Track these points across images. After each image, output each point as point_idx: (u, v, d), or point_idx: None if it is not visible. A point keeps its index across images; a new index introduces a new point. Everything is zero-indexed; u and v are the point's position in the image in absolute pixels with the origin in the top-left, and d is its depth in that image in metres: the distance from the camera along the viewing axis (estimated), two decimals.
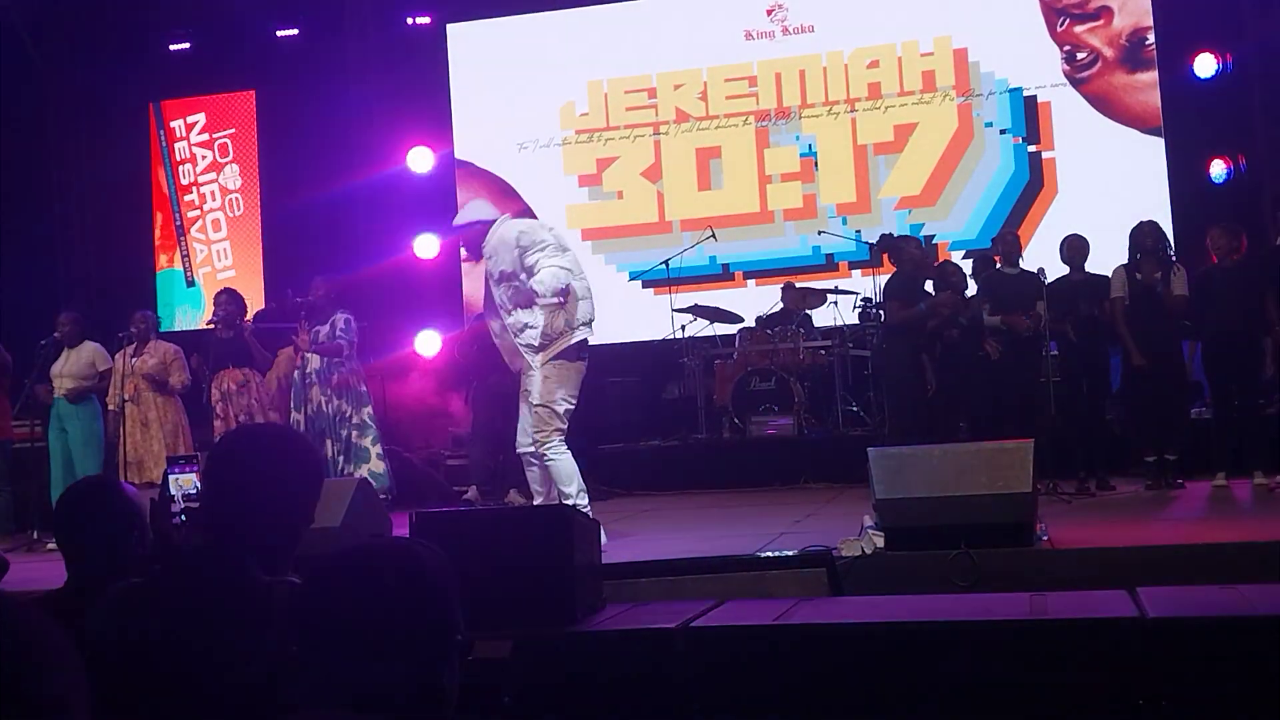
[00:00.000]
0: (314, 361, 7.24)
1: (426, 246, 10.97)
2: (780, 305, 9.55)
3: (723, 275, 10.41)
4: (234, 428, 7.21)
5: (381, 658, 1.49)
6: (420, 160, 10.91)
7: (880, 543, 4.55)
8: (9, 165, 10.61)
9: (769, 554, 4.62)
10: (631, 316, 9.86)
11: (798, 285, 9.65)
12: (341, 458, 7.32)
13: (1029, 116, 9.98)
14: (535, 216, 10.86)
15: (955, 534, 4.41)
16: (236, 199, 11.41)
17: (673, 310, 9.49)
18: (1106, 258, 7.21)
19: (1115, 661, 3.31)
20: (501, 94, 10.77)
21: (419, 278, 11.02)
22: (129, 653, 1.85)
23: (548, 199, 10.74)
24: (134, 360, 7.60)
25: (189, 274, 11.47)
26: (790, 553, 4.59)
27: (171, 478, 2.88)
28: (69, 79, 11.09)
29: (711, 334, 9.67)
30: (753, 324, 9.52)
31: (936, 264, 7.66)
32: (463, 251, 10.97)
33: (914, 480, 4.61)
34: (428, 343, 10.64)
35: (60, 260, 11.05)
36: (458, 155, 11.00)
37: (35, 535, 7.72)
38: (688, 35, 10.56)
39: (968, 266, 8.08)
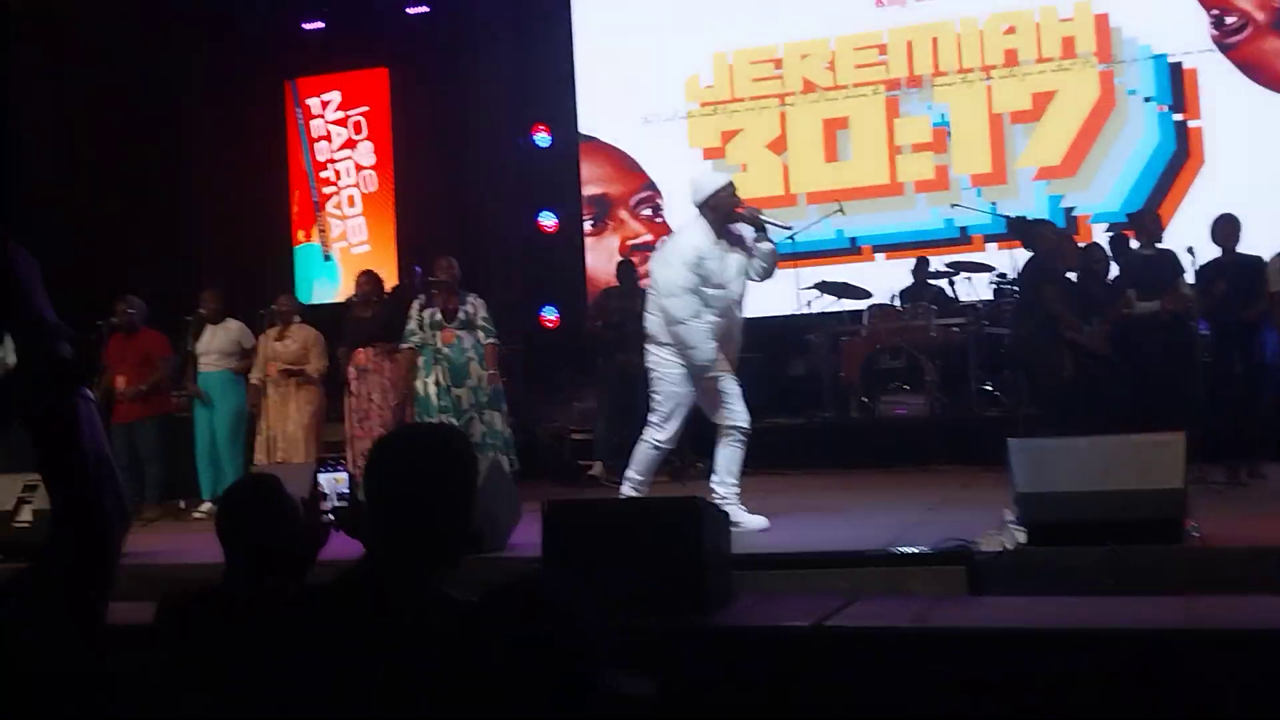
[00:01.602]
0: (467, 339, 7.32)
1: (550, 221, 11.08)
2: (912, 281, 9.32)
3: (850, 249, 10.20)
4: (387, 434, 7.33)
5: (525, 698, 1.48)
6: (545, 136, 10.98)
7: (1022, 538, 4.39)
8: (147, 146, 10.97)
9: (904, 550, 4.51)
10: (755, 291, 9.70)
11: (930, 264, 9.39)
12: (509, 430, 7.40)
13: (1174, 84, 9.49)
14: (659, 192, 10.88)
15: (1101, 531, 4.23)
16: (370, 175, 11.62)
17: (799, 288, 9.32)
18: (1257, 234, 6.84)
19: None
20: (626, 67, 10.71)
21: (543, 252, 11.11)
22: (294, 664, 1.87)
23: (671, 173, 10.65)
24: (276, 344, 7.85)
25: (325, 248, 11.75)
26: (927, 549, 4.46)
27: (323, 477, 2.96)
28: (204, 59, 11.39)
29: (839, 309, 9.48)
30: (885, 300, 9.30)
31: (1082, 247, 7.34)
32: (587, 225, 11.08)
33: (1058, 473, 4.43)
34: (551, 317, 10.79)
35: (200, 237, 11.39)
36: (581, 129, 11.00)
37: (183, 505, 8.06)
38: (816, 3, 10.32)
39: (1106, 242, 7.75)
